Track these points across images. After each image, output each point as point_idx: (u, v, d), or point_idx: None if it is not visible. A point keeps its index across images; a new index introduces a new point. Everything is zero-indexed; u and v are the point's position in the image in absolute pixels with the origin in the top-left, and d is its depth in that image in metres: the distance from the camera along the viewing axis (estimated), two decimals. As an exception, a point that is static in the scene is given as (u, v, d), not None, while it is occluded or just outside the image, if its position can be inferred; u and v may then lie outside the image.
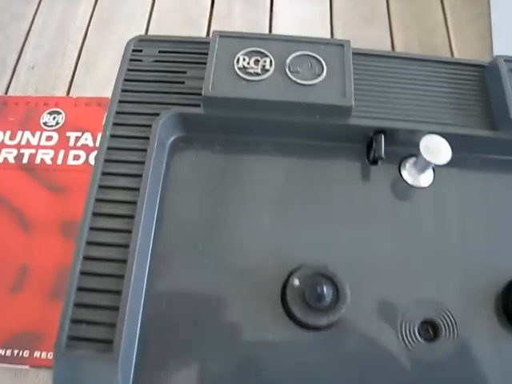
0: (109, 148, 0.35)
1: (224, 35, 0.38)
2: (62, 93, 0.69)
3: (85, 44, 0.73)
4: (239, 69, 0.36)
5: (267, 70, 0.36)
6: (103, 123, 0.36)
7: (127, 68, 0.38)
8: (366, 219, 0.36)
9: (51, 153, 0.62)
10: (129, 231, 0.32)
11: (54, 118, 0.64)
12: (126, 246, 0.32)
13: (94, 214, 0.33)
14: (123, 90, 0.37)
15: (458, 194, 0.37)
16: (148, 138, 0.35)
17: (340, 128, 0.37)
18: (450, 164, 0.34)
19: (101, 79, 0.69)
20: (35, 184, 0.59)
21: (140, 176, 0.34)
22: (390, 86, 0.38)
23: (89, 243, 0.32)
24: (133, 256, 0.31)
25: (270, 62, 0.36)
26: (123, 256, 0.31)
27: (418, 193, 0.37)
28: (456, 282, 0.34)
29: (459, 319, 0.33)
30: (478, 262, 0.35)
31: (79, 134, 0.63)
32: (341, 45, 0.37)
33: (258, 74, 0.36)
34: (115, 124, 0.36)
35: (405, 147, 0.38)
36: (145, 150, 0.35)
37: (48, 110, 0.65)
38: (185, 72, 0.38)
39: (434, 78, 0.39)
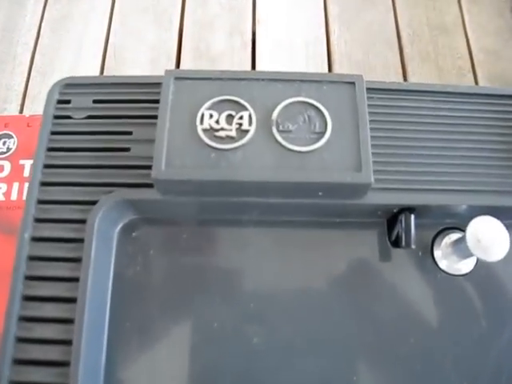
0: (30, 258, 0.23)
1: (181, 76, 0.24)
2: (14, 107, 0.55)
3: (38, 45, 0.59)
4: (204, 131, 0.23)
5: (245, 132, 0.23)
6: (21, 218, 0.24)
7: (50, 130, 0.25)
8: (384, 332, 0.25)
9: (4, 187, 0.49)
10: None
11: (4, 143, 0.51)
12: None
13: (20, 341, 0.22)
14: (46, 166, 0.25)
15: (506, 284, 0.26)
16: (82, 241, 0.23)
17: (352, 207, 0.24)
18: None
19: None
20: (-14, 226, 0.47)
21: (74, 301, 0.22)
22: (416, 137, 0.25)
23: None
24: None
25: (249, 117, 0.24)
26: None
27: (455, 282, 0.26)
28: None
29: None
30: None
31: (36, 161, 0.50)
32: (350, 83, 0.24)
33: (232, 139, 0.23)
34: (38, 220, 0.24)
35: (440, 220, 0.26)
36: (79, 260, 0.23)
37: (-3, 134, 0.52)
38: (130, 133, 0.25)
39: (475, 121, 0.26)
